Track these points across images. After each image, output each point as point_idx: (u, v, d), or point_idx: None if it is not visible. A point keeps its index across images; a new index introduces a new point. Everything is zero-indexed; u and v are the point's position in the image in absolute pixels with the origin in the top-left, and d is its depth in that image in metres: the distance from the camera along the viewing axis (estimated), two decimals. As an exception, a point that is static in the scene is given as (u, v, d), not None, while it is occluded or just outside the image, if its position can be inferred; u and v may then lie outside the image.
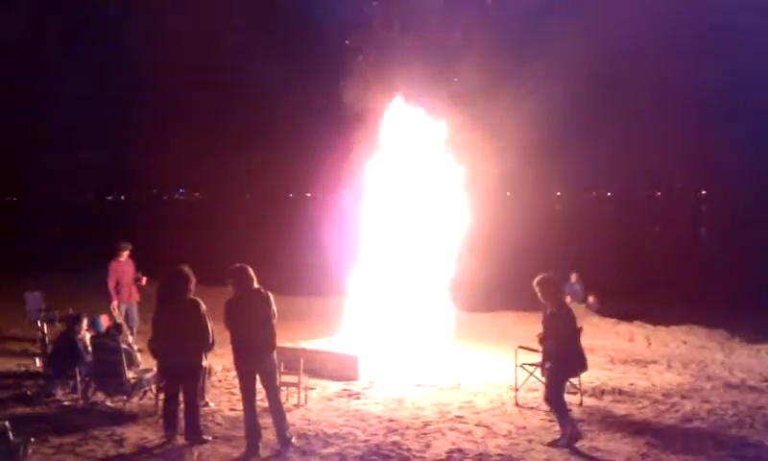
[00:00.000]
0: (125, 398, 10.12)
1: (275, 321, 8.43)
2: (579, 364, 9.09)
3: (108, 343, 10.36)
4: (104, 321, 12.17)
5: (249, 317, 8.35)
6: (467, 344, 13.95)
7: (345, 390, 11.02)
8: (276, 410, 8.49)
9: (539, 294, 9.01)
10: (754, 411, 10.11)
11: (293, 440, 8.46)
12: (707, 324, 16.48)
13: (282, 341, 12.25)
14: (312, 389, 10.80)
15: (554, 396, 8.78)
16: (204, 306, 8.65)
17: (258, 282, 8.47)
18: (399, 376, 11.53)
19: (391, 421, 9.54)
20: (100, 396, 10.36)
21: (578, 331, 9.06)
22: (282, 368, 10.11)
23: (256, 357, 8.37)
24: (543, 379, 9.23)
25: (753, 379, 11.95)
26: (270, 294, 8.45)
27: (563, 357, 8.84)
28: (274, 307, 8.41)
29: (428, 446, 8.53)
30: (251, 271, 8.44)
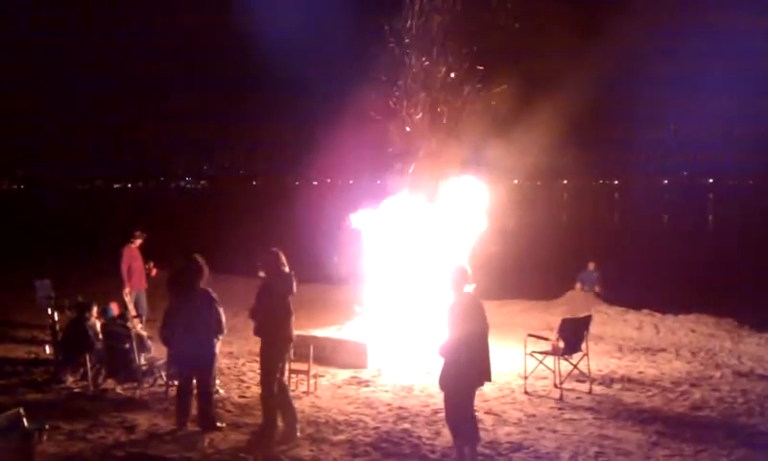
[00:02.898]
0: (135, 385, 10.16)
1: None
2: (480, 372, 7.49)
3: (118, 330, 10.40)
4: (114, 308, 12.21)
5: (282, 303, 8.39)
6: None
7: (354, 378, 11.04)
8: (285, 397, 8.57)
9: (447, 283, 7.66)
10: (763, 399, 10.10)
11: (297, 433, 8.50)
12: (715, 312, 16.44)
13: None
14: (322, 377, 10.83)
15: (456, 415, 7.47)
16: (215, 296, 8.68)
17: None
18: (409, 364, 11.54)
19: (401, 408, 9.56)
20: (110, 383, 10.40)
21: (485, 333, 7.52)
22: (292, 355, 10.15)
23: (289, 343, 8.48)
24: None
25: (762, 368, 11.93)
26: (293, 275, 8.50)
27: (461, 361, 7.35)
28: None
29: (438, 433, 8.55)
30: (282, 256, 8.49)
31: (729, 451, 8.10)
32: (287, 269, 8.50)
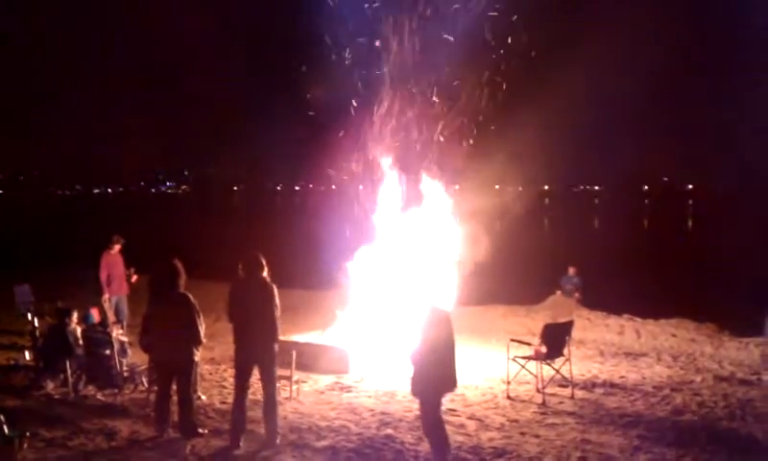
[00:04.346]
0: (116, 391, 10.08)
1: (278, 314, 8.41)
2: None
3: (98, 336, 10.34)
4: (95, 314, 12.11)
5: (252, 306, 8.32)
6: (458, 337, 13.90)
7: (336, 383, 11.01)
8: (269, 404, 8.47)
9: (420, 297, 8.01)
10: (744, 404, 10.17)
11: (277, 439, 8.41)
12: (695, 317, 16.56)
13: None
14: (304, 382, 10.79)
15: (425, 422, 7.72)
16: (194, 300, 8.61)
17: (269, 274, 8.46)
18: (391, 370, 11.52)
19: (383, 414, 9.54)
20: (91, 389, 10.32)
21: (451, 342, 7.72)
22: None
23: (256, 349, 8.36)
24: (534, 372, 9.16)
25: (742, 372, 12.02)
26: (274, 286, 8.42)
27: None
28: (277, 300, 8.39)
29: (421, 439, 8.49)
30: (262, 259, 8.42)
31: (710, 455, 8.15)
32: (266, 273, 8.43)
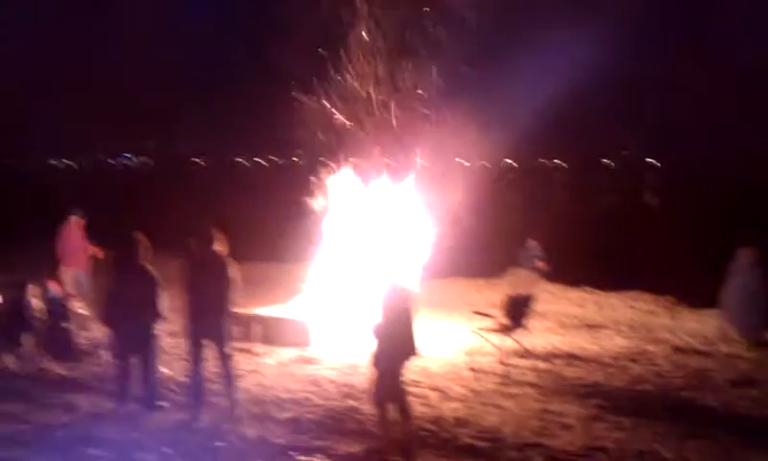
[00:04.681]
0: (76, 365, 9.98)
1: (231, 288, 8.36)
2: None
3: (58, 309, 10.21)
4: (54, 287, 11.94)
5: (204, 280, 8.27)
6: (421, 309, 13.97)
7: (299, 356, 11.01)
8: (226, 377, 8.46)
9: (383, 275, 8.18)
10: (699, 374, 10.39)
11: (238, 411, 8.41)
12: (654, 289, 16.81)
13: (238, 307, 12.20)
14: (266, 355, 10.78)
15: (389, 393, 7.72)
16: (156, 274, 8.53)
17: (224, 247, 8.40)
18: (354, 342, 11.54)
19: (346, 386, 9.58)
20: (51, 363, 10.20)
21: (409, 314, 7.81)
22: (236, 334, 10.07)
23: (207, 322, 8.31)
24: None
25: (698, 343, 12.25)
26: (229, 259, 8.37)
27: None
28: (232, 274, 8.34)
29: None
30: (215, 233, 8.35)
31: (666, 424, 8.32)
32: (219, 247, 8.37)
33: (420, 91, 13.28)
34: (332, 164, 13.51)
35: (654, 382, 10.03)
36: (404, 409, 7.60)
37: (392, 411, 7.59)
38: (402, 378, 7.74)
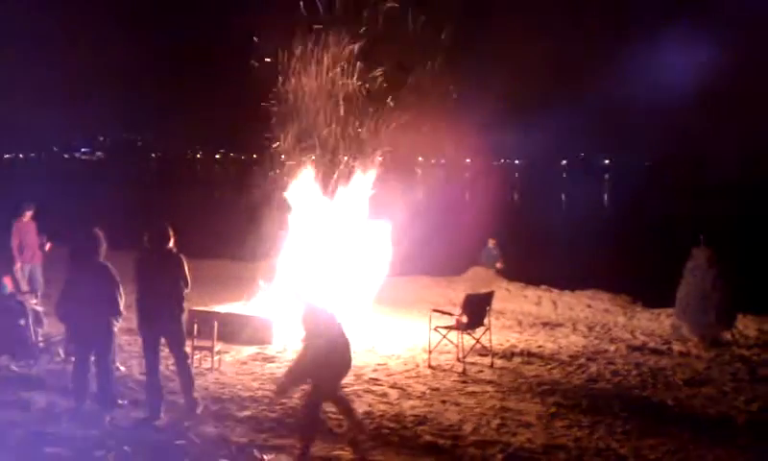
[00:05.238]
0: (32, 362, 9.81)
1: (186, 287, 8.28)
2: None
3: (12, 306, 10.01)
4: (8, 283, 11.71)
5: (158, 278, 8.18)
6: (380, 307, 14.04)
7: (259, 354, 10.97)
8: (183, 375, 8.38)
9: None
10: (655, 372, 10.55)
11: (198, 409, 8.34)
12: (610, 288, 17.03)
13: (197, 305, 12.10)
14: (226, 353, 10.71)
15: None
16: (114, 270, 8.42)
17: (176, 245, 8.30)
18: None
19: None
20: (5, 360, 10.00)
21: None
22: (195, 332, 10.00)
23: (161, 321, 8.22)
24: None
25: (654, 342, 12.45)
26: (183, 257, 8.29)
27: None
28: (185, 272, 8.26)
29: (344, 408, 8.56)
30: (169, 230, 8.26)
31: (623, 422, 8.45)
32: (172, 245, 8.29)
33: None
34: (293, 162, 13.48)
35: (611, 380, 10.17)
36: (349, 412, 7.55)
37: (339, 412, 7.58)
38: (340, 392, 7.60)
